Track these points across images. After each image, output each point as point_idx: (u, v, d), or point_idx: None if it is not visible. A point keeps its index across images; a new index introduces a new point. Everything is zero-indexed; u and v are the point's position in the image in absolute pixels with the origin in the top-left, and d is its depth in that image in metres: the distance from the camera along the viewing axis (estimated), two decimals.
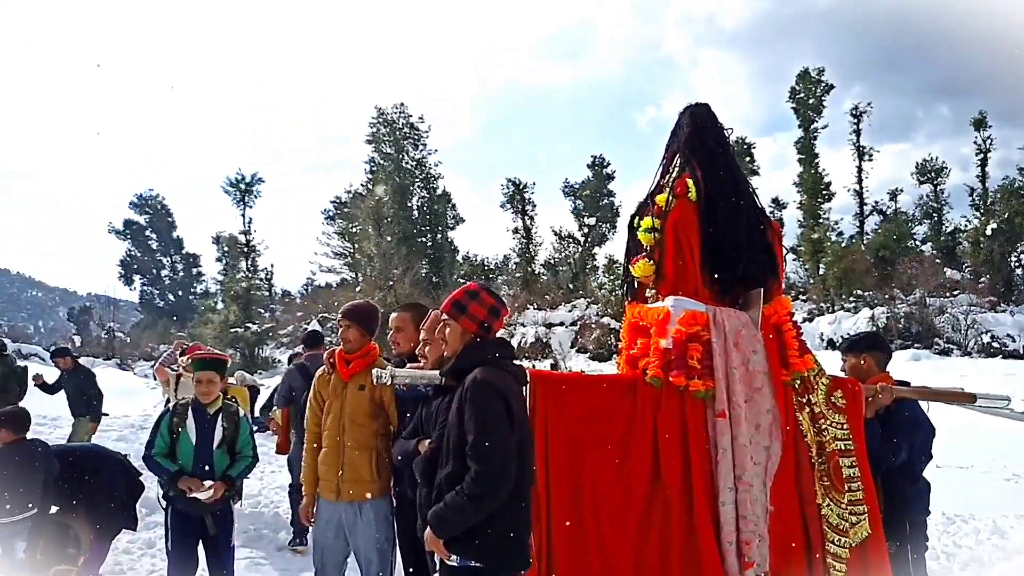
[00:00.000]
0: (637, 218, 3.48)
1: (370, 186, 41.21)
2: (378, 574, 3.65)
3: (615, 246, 39.87)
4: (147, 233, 53.46)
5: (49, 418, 10.42)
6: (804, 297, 30.07)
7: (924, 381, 3.97)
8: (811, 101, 35.45)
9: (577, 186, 42.34)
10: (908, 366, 16.55)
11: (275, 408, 7.28)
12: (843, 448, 3.23)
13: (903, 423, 3.52)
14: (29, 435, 4.48)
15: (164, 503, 4.13)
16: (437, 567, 2.71)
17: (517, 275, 40.63)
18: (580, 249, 41.40)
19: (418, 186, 42.73)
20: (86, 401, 8.64)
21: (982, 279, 29.29)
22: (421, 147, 42.90)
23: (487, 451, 2.42)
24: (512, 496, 2.48)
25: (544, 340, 28.77)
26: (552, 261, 42.28)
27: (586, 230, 41.61)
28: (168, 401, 5.48)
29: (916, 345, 23.29)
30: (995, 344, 23.18)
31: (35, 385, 8.80)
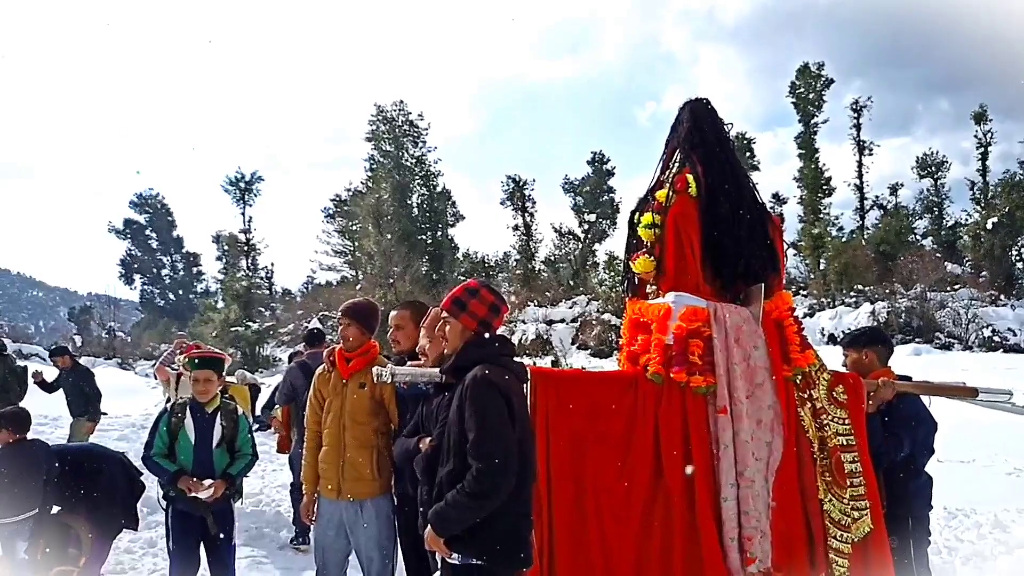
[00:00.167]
0: (637, 214, 3.47)
1: (370, 184, 41.18)
2: (379, 572, 3.65)
3: (615, 242, 39.90)
4: (147, 232, 53.41)
5: (50, 418, 10.43)
6: (805, 292, 30.07)
7: (925, 375, 3.96)
8: (811, 96, 35.43)
9: (577, 182, 42.31)
10: (909, 360, 16.54)
11: (277, 406, 7.29)
12: (845, 443, 3.22)
13: (905, 418, 3.51)
14: (30, 435, 4.48)
15: (164, 503, 4.12)
16: (439, 565, 2.70)
17: (517, 272, 40.59)
18: (580, 246, 41.37)
19: (418, 183, 42.70)
20: (84, 400, 8.63)
21: (983, 273, 29.30)
22: (421, 144, 42.89)
23: (488, 449, 2.41)
24: (514, 494, 2.47)
25: (545, 337, 28.79)
26: (552, 258, 42.26)
27: (586, 226, 41.58)
28: (169, 400, 5.48)
29: (917, 339, 23.29)
30: (996, 338, 23.19)
31: (34, 383, 8.79)
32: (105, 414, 9.41)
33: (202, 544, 4.12)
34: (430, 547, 2.57)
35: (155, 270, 54.11)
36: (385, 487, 3.68)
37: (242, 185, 41.20)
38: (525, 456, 2.55)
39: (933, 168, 36.22)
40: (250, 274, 40.77)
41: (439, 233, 42.53)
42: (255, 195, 41.64)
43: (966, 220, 33.94)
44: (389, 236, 37.06)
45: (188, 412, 4.12)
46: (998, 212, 29.77)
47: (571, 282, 37.71)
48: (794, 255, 34.61)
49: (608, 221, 41.31)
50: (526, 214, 41.40)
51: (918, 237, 34.96)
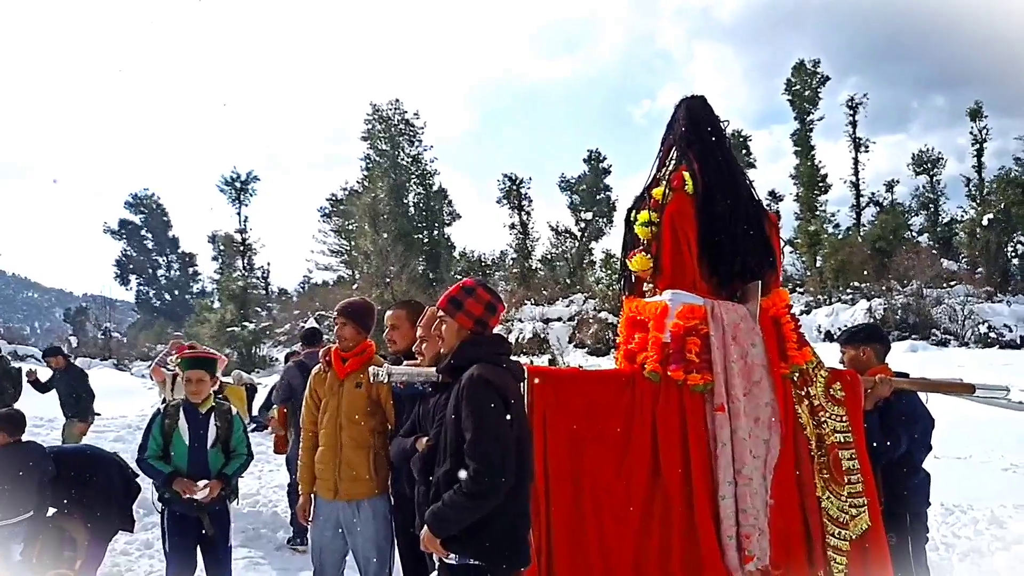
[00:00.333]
0: (634, 212, 3.46)
1: (366, 183, 41.13)
2: (376, 573, 3.64)
3: (612, 241, 39.94)
4: (143, 233, 53.33)
5: (46, 419, 10.40)
6: (801, 289, 30.11)
7: (921, 372, 3.96)
8: (807, 93, 35.48)
9: (573, 181, 42.29)
10: (905, 357, 16.58)
11: (274, 406, 7.25)
12: (842, 440, 3.22)
13: (902, 414, 3.51)
14: (25, 437, 4.45)
15: (160, 505, 4.10)
16: (436, 565, 2.69)
17: (514, 271, 40.61)
18: (577, 244, 41.39)
19: (414, 182, 42.68)
20: (77, 401, 8.60)
21: (979, 269, 29.36)
22: (417, 143, 42.87)
23: (485, 449, 2.40)
24: (511, 493, 2.46)
25: (542, 335, 28.79)
26: (549, 256, 42.26)
27: (583, 225, 41.59)
28: (165, 401, 5.46)
29: (913, 336, 23.36)
30: (992, 334, 23.25)
31: (28, 382, 8.76)
32: (99, 415, 9.38)
33: (199, 545, 4.10)
34: (426, 548, 2.56)
35: (151, 271, 54.03)
36: (382, 487, 3.66)
37: (238, 185, 41.18)
38: (522, 455, 2.53)
39: (929, 165, 36.27)
40: (246, 274, 40.74)
41: (435, 232, 42.52)
42: (251, 195, 41.66)
43: (962, 216, 34.04)
44: (385, 235, 37.03)
45: (182, 413, 4.10)
46: (994, 208, 29.83)
47: (568, 280, 37.73)
48: (790, 252, 34.66)
49: (604, 219, 41.34)
50: (523, 213, 41.41)
51: (914, 234, 35.03)
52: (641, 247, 3.35)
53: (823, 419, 3.20)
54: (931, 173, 36.27)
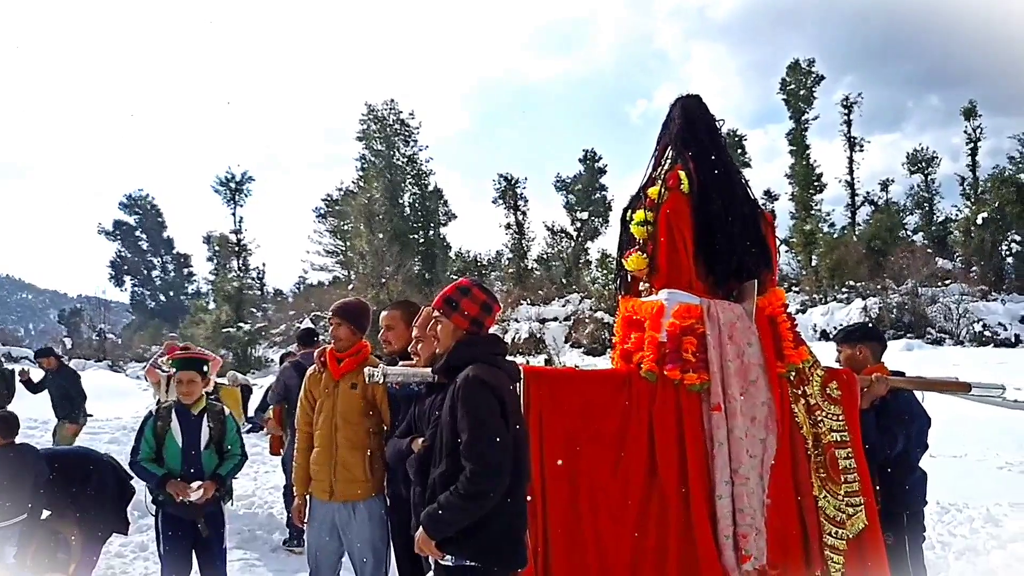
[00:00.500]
0: (630, 211, 3.45)
1: (361, 183, 41.06)
2: (373, 574, 3.63)
3: (608, 240, 39.91)
4: (137, 233, 53.17)
5: (39, 421, 10.35)
6: (797, 288, 30.13)
7: (917, 371, 3.97)
8: (802, 92, 35.52)
9: (569, 181, 42.26)
10: (901, 356, 16.62)
11: (270, 407, 7.23)
12: (839, 439, 3.21)
13: (899, 413, 3.51)
14: (18, 439, 4.43)
15: (154, 507, 4.08)
16: (432, 566, 2.68)
17: (510, 271, 40.56)
18: (573, 244, 41.37)
19: (409, 183, 42.60)
20: (69, 402, 8.55)
21: (973, 268, 29.42)
22: (412, 143, 42.78)
23: (481, 450, 2.39)
24: (507, 494, 2.45)
25: (538, 335, 28.79)
26: (545, 256, 42.22)
27: (579, 225, 41.57)
28: (159, 402, 5.43)
29: (908, 335, 23.40)
30: (987, 333, 23.30)
31: (20, 381, 8.72)
32: (91, 415, 9.33)
33: (193, 547, 4.08)
34: (420, 550, 2.53)
35: (145, 271, 53.87)
36: (378, 488, 3.65)
37: (232, 185, 41.03)
38: (519, 456, 2.52)
39: (923, 164, 36.34)
40: (241, 275, 40.60)
41: (431, 232, 42.44)
42: (246, 195, 41.49)
43: (956, 215, 34.06)
44: (381, 236, 36.95)
45: (174, 415, 4.08)
46: (988, 207, 29.88)
47: (564, 280, 37.72)
48: (786, 251, 34.66)
49: (600, 219, 41.32)
50: (518, 212, 41.35)
51: (909, 233, 35.08)
52: (637, 246, 3.35)
53: (820, 418, 3.20)
54: (926, 172, 36.35)
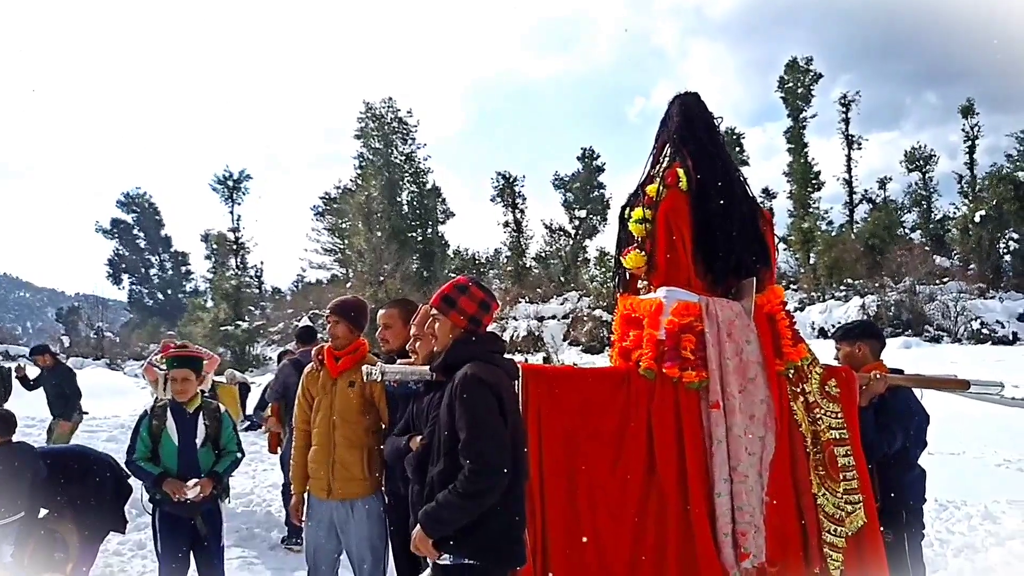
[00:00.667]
0: (628, 209, 3.44)
1: (359, 181, 41.03)
2: (371, 572, 3.62)
3: (606, 238, 39.94)
4: (135, 232, 53.08)
5: (37, 419, 10.33)
6: (795, 286, 30.20)
7: (915, 368, 3.96)
8: (800, 90, 35.55)
9: (567, 179, 42.27)
10: (899, 354, 16.65)
11: (269, 404, 7.22)
12: (838, 437, 3.20)
13: (897, 411, 3.50)
14: (15, 438, 4.41)
15: (151, 506, 4.07)
16: (429, 564, 2.67)
17: (508, 269, 40.57)
18: (571, 242, 41.39)
19: (407, 181, 42.58)
20: (64, 400, 8.53)
21: (971, 266, 29.48)
22: (410, 141, 42.78)
23: (480, 448, 2.38)
24: (506, 492, 2.44)
25: (536, 333, 28.82)
26: (543, 254, 42.23)
27: (577, 223, 41.58)
28: (157, 401, 5.42)
29: (907, 333, 23.46)
30: (985, 330, 23.36)
31: (16, 377, 8.70)
32: (86, 413, 9.30)
33: (191, 545, 4.07)
34: (417, 549, 2.52)
35: (143, 270, 53.79)
36: (376, 486, 3.64)
37: (230, 183, 40.98)
38: (517, 454, 2.52)
39: (921, 162, 36.37)
40: (239, 273, 40.56)
41: (429, 230, 42.44)
42: (243, 193, 41.44)
43: (954, 213, 34.12)
44: (379, 234, 36.95)
45: (169, 413, 4.06)
46: (986, 205, 29.93)
47: (562, 278, 37.74)
48: (784, 249, 34.70)
49: (599, 217, 41.33)
50: (516, 211, 41.36)
51: (907, 231, 35.14)
52: (635, 244, 3.33)
53: (818, 416, 3.19)
54: (923, 170, 36.38)
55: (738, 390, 3.05)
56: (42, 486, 4.24)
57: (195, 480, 3.92)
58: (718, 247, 3.20)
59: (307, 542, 3.80)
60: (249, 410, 12.03)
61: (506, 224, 41.34)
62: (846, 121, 35.87)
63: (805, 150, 35.70)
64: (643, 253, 3.30)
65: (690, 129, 3.42)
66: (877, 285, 26.60)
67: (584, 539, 2.92)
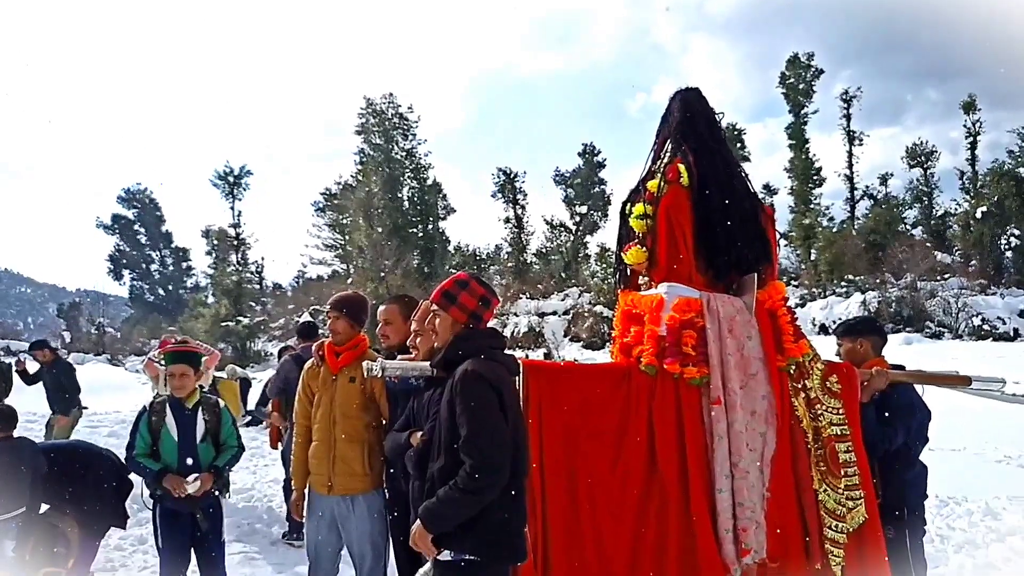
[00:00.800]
0: (629, 205, 3.43)
1: (360, 177, 40.99)
2: (372, 568, 3.62)
3: (607, 234, 39.93)
4: (136, 227, 53.03)
5: (38, 415, 10.34)
6: (796, 282, 30.20)
7: (916, 364, 3.95)
8: (801, 86, 35.50)
9: (568, 174, 42.24)
10: (900, 350, 16.63)
11: (271, 400, 7.23)
12: (839, 433, 3.20)
13: (899, 407, 3.50)
14: (16, 433, 4.42)
15: (151, 501, 4.07)
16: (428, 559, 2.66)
17: (509, 265, 40.57)
18: (572, 238, 41.38)
19: (408, 177, 42.52)
20: (63, 395, 8.52)
21: (972, 262, 29.47)
22: (411, 137, 42.69)
23: (480, 445, 2.38)
24: (507, 488, 2.44)
25: (537, 329, 28.83)
26: (544, 250, 42.24)
27: (578, 219, 41.56)
28: (158, 396, 5.42)
29: (907, 329, 23.46)
30: (985, 327, 23.36)
31: (16, 371, 8.70)
32: (86, 408, 9.29)
33: (192, 540, 4.07)
34: (415, 544, 2.51)
35: (144, 265, 53.76)
36: (377, 482, 3.64)
37: (231, 179, 40.97)
38: (518, 450, 2.52)
39: (923, 158, 36.33)
40: (240, 269, 40.59)
41: (430, 226, 42.41)
42: (244, 189, 41.43)
43: (955, 209, 34.09)
44: (380, 230, 36.97)
45: (168, 409, 4.06)
46: (987, 201, 29.92)
47: (563, 274, 37.74)
48: (785, 245, 34.68)
49: (599, 213, 41.33)
50: (517, 207, 41.36)
51: (908, 227, 35.09)
52: (636, 240, 3.33)
53: (820, 412, 3.19)
54: (925, 166, 36.33)
55: (739, 386, 3.05)
56: (43, 481, 4.24)
57: (195, 475, 3.92)
58: (719, 243, 3.20)
59: (308, 538, 3.80)
60: (250, 406, 12.04)
61: (507, 220, 41.35)
62: (847, 117, 35.84)
63: (806, 146, 35.67)
64: (644, 249, 3.29)
65: (691, 125, 3.41)
66: (878, 281, 26.60)
67: (584, 535, 2.92)
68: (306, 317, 24.64)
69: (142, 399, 4.47)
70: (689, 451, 2.98)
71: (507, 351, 2.78)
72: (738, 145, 35.58)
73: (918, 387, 3.63)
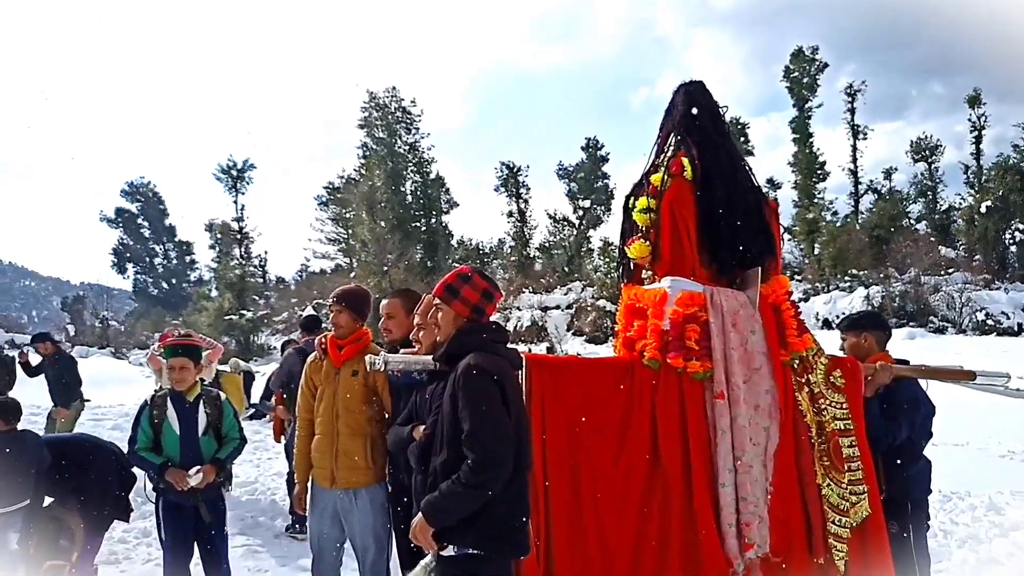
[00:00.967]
0: (632, 199, 3.42)
1: (363, 171, 40.94)
2: (374, 561, 3.63)
3: (610, 228, 39.89)
4: (139, 221, 53.11)
5: (42, 408, 10.38)
6: (799, 277, 30.12)
7: (919, 359, 3.94)
8: (805, 80, 35.34)
9: (571, 168, 42.16)
10: (903, 344, 16.62)
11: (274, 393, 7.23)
12: (843, 428, 3.20)
13: (903, 402, 3.49)
14: (20, 426, 4.43)
15: (154, 495, 4.08)
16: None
17: (512, 259, 40.55)
18: (575, 232, 41.32)
19: (411, 171, 42.44)
20: (64, 387, 8.53)
21: (976, 257, 29.39)
22: (414, 131, 42.56)
23: (483, 439, 2.37)
24: (509, 482, 2.43)
25: (540, 323, 28.82)
26: (547, 244, 42.21)
27: (581, 213, 41.51)
28: (156, 391, 5.43)
29: (911, 324, 23.41)
30: (989, 322, 23.29)
31: (19, 363, 8.72)
32: (88, 401, 9.30)
33: (195, 533, 4.08)
34: (415, 537, 2.50)
35: (148, 259, 53.86)
36: (379, 476, 3.64)
37: (234, 173, 40.96)
38: (520, 444, 2.51)
39: (927, 152, 36.17)
40: (243, 262, 40.61)
41: (433, 220, 42.35)
42: (247, 183, 41.42)
43: (960, 204, 33.97)
44: (383, 224, 36.95)
45: (170, 403, 4.06)
46: (992, 196, 29.80)
47: (566, 268, 37.71)
48: (788, 240, 34.60)
49: (603, 207, 41.26)
50: (520, 201, 41.31)
51: (912, 221, 34.99)
52: (639, 234, 3.32)
53: (823, 406, 3.18)
54: (929, 160, 36.17)
55: (743, 380, 3.04)
56: (46, 474, 4.25)
57: (197, 467, 3.93)
58: (723, 237, 3.19)
59: (311, 530, 3.80)
60: (254, 399, 12.07)
61: (510, 214, 41.31)
62: (852, 111, 35.69)
63: (810, 140, 35.53)
64: (647, 243, 3.29)
65: (695, 118, 3.40)
66: (882, 276, 26.53)
67: (587, 529, 2.92)
68: (309, 311, 24.67)
69: (146, 392, 4.47)
70: (692, 445, 2.98)
71: (510, 345, 2.77)
72: (742, 139, 35.44)
73: (922, 382, 3.62)
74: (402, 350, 3.42)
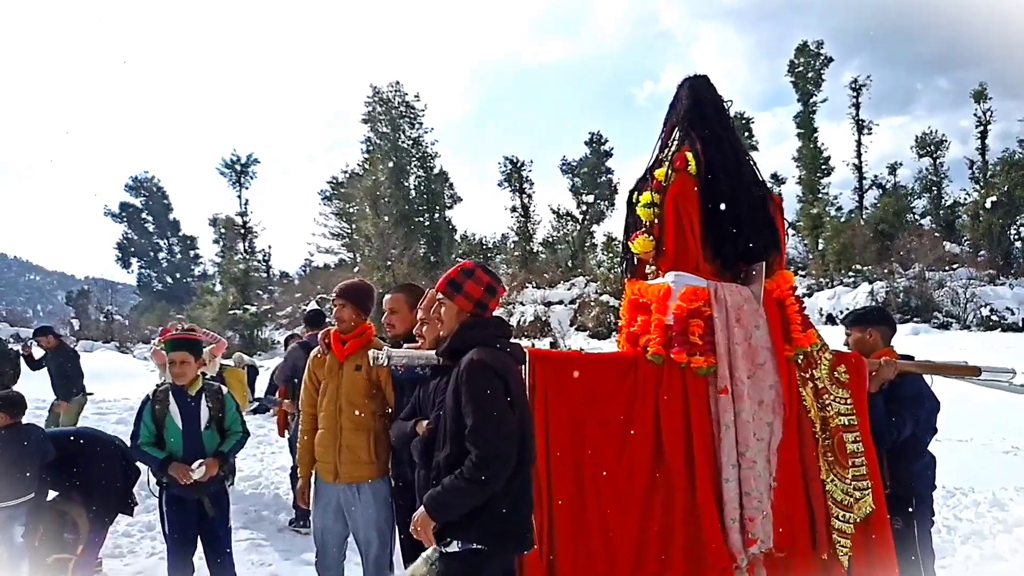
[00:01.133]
0: (636, 193, 3.41)
1: (367, 166, 40.93)
2: (378, 555, 3.63)
3: (614, 223, 39.87)
4: (143, 216, 53.14)
5: (46, 402, 10.40)
6: (803, 272, 30.10)
7: (923, 355, 3.93)
8: (810, 75, 35.21)
9: (575, 163, 42.10)
10: (907, 340, 16.56)
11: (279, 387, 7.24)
12: (847, 423, 3.19)
13: (907, 397, 3.48)
14: (25, 419, 4.44)
15: (157, 489, 4.09)
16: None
17: (516, 254, 40.55)
18: (579, 227, 41.29)
19: (415, 165, 42.44)
20: (66, 381, 8.55)
21: (981, 252, 29.31)
22: (417, 126, 42.55)
23: (486, 434, 2.37)
24: (513, 477, 2.43)
25: (543, 318, 28.80)
26: (551, 239, 42.19)
27: (584, 208, 41.47)
28: (158, 385, 5.43)
29: (915, 319, 23.35)
30: (994, 317, 23.25)
31: (22, 355, 8.74)
32: (91, 394, 9.30)
33: (198, 527, 4.09)
34: (415, 530, 2.50)
35: (152, 253, 53.88)
36: (383, 470, 3.65)
37: (238, 168, 41.00)
38: (524, 439, 2.50)
39: (932, 147, 36.03)
40: (247, 257, 40.69)
41: (437, 215, 42.37)
42: (251, 177, 41.47)
43: (965, 199, 33.85)
44: (386, 218, 36.94)
45: (172, 397, 4.06)
46: (997, 191, 29.71)
47: (569, 263, 37.71)
48: (793, 235, 34.56)
49: (606, 202, 41.21)
50: (524, 195, 41.30)
51: (917, 216, 34.89)
52: (643, 229, 3.31)
53: (827, 402, 3.17)
54: (934, 155, 36.04)
55: (747, 376, 3.03)
56: (51, 468, 4.27)
57: (200, 461, 3.93)
58: (727, 231, 3.18)
59: (314, 525, 3.81)
60: (258, 393, 12.10)
61: (513, 209, 41.31)
62: (856, 106, 35.54)
63: (815, 135, 35.40)
64: (651, 238, 3.28)
65: (699, 112, 3.38)
66: (886, 271, 26.47)
67: (590, 524, 2.92)
68: (313, 305, 24.72)
69: (150, 386, 4.47)
70: (696, 440, 2.97)
71: (513, 340, 2.77)
72: (746, 134, 35.37)
73: (926, 377, 3.61)
74: (405, 345, 3.42)
